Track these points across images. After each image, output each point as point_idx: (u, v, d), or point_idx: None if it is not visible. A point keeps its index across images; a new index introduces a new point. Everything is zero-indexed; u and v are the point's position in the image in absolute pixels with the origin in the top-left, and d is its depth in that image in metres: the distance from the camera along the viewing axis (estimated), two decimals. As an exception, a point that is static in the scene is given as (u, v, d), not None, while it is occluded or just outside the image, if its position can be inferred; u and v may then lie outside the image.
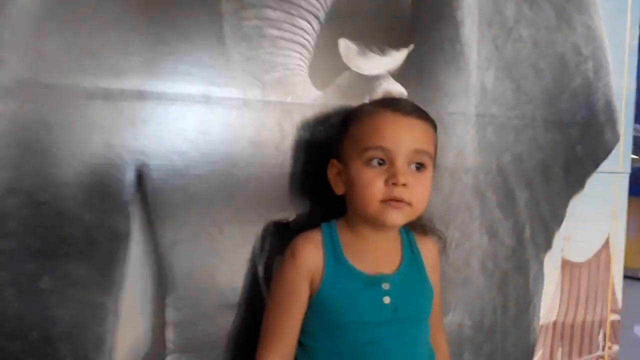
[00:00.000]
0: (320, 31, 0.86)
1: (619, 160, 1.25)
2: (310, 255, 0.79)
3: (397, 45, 0.93)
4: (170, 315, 0.78)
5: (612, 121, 1.18)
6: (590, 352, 1.27)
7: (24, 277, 0.67)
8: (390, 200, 0.76)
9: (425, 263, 0.85)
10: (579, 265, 1.24)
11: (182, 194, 0.77)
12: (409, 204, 0.77)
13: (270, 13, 0.81)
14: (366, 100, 0.89)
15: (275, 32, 0.82)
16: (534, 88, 1.07)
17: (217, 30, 0.78)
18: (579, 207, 1.21)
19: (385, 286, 0.79)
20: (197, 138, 0.78)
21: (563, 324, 1.23)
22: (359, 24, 0.91)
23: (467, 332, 1.05)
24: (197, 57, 0.77)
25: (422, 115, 0.81)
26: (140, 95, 0.74)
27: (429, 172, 0.80)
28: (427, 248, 0.88)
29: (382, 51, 0.92)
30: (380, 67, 0.92)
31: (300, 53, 0.84)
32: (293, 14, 0.82)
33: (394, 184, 0.75)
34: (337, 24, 0.88)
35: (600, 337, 1.30)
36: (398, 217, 0.78)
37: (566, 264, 1.21)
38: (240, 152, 0.81)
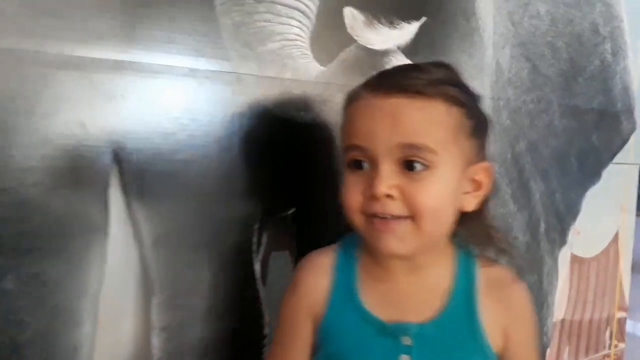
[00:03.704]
0: (323, -3, 0.77)
1: (629, 151, 1.18)
2: (312, 284, 0.62)
3: (408, 17, 0.84)
4: (155, 319, 0.69)
5: (629, 108, 1.11)
6: (597, 351, 1.22)
7: (-17, 277, 0.58)
8: (374, 218, 0.55)
9: (487, 314, 0.58)
10: (588, 260, 1.18)
11: (167, 182, 0.68)
12: (411, 217, 0.54)
13: (266, -27, 0.71)
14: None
15: (273, -5, 0.73)
16: (550, 69, 1.00)
17: (205, -8, 0.69)
18: (587, 199, 1.14)
19: (406, 341, 0.56)
20: (184, 117, 0.69)
21: (571, 322, 1.17)
22: (367, -8, 0.81)
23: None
24: (183, 23, 0.68)
25: (419, 89, 0.55)
26: (117, 66, 0.64)
27: (434, 172, 0.54)
28: (498, 287, 0.60)
29: (391, 23, 0.83)
30: (389, 41, 0.82)
31: (300, 21, 0.75)
32: (293, -25, 0.73)
33: (371, 196, 0.54)
34: (343, -10, 0.78)
35: (607, 335, 1.24)
36: (393, 244, 0.55)
37: (575, 260, 1.15)
38: (233, 134, 0.72)
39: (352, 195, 0.56)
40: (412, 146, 0.54)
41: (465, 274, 0.60)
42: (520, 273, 0.63)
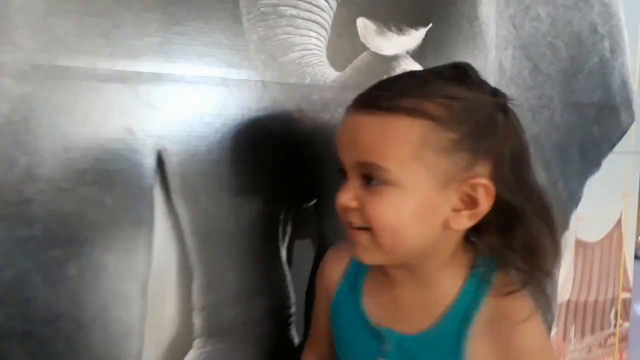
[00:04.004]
0: (337, 9, 0.83)
1: (631, 141, 1.24)
2: (330, 271, 0.68)
3: (415, 24, 0.90)
4: (196, 300, 0.77)
5: (628, 102, 1.16)
6: (602, 329, 1.28)
7: (51, 264, 0.66)
8: (347, 225, 0.57)
9: (478, 347, 0.55)
10: (592, 245, 1.24)
11: (203, 179, 0.75)
12: (368, 229, 0.54)
13: (287, -9, 0.78)
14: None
15: (293, 11, 0.79)
16: (550, 68, 1.06)
17: (233, 10, 0.75)
18: (591, 187, 1.20)
19: (386, 347, 0.59)
20: (216, 122, 0.76)
21: (576, 302, 1.23)
22: (377, 2, 0.88)
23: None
24: (213, 38, 0.74)
25: (379, 104, 0.53)
26: (157, 78, 0.71)
27: (391, 188, 0.53)
28: (502, 321, 0.55)
29: (400, 30, 0.89)
30: (399, 47, 0.89)
31: (317, 32, 0.82)
32: (310, -8, 0.79)
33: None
34: (355, 2, 0.85)
35: (612, 314, 1.30)
36: (360, 251, 0.56)
37: (579, 244, 1.21)
38: (260, 135, 0.79)
39: (336, 205, 0.57)
40: (363, 164, 0.54)
41: (468, 300, 0.57)
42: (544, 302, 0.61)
